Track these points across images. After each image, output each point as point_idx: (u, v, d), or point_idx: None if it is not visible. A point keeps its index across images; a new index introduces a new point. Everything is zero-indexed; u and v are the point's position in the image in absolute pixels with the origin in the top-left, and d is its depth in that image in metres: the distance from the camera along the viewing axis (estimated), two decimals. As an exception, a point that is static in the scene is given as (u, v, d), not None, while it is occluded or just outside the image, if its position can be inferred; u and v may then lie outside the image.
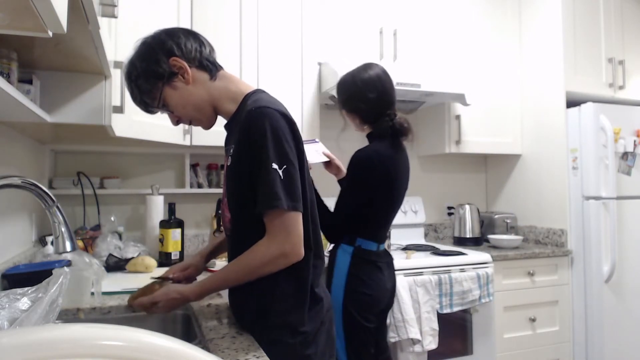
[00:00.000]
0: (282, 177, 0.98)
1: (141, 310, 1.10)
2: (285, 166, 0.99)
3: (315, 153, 1.84)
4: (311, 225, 1.10)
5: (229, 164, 1.10)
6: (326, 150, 1.87)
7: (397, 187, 1.68)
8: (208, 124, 1.18)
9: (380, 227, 1.70)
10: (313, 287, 1.11)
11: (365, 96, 1.66)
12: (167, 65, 1.08)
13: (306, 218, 1.06)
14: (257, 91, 1.14)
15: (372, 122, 1.70)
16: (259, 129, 1.00)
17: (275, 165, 0.98)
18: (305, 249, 1.03)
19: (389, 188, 1.66)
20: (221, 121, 1.20)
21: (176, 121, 1.17)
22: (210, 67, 1.13)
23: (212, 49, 1.16)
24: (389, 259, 1.73)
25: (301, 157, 1.07)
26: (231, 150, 1.08)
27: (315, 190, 1.87)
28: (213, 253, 1.40)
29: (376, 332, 1.67)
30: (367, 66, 1.72)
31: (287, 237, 0.99)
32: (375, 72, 1.69)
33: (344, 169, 1.88)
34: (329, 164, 1.86)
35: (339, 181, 1.90)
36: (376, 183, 1.62)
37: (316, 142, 1.91)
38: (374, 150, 1.63)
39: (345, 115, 1.77)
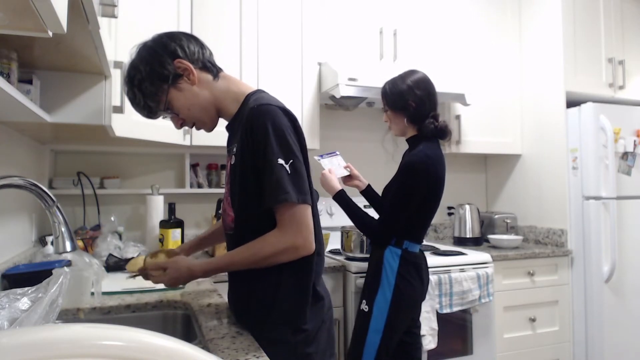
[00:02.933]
0: (289, 172, 0.99)
1: (145, 274, 1.12)
2: (291, 160, 1.00)
3: (338, 166, 1.88)
4: (315, 223, 1.10)
5: (232, 163, 1.10)
6: (344, 162, 1.92)
7: (442, 189, 1.74)
8: (211, 126, 1.18)
9: (425, 229, 1.77)
10: (315, 285, 1.11)
11: (415, 94, 1.72)
12: (172, 67, 1.08)
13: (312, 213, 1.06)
14: (258, 91, 1.15)
15: (417, 123, 1.75)
16: (262, 125, 1.01)
17: (281, 161, 0.99)
18: None
19: (439, 191, 1.73)
20: (222, 121, 1.20)
21: (180, 124, 1.17)
22: (213, 69, 1.14)
23: (211, 52, 1.17)
24: (425, 259, 1.80)
25: (304, 153, 1.08)
26: (234, 149, 1.09)
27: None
28: (201, 243, 1.41)
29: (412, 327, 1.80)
30: (412, 71, 1.80)
31: (298, 229, 1.00)
32: (422, 75, 1.78)
33: (364, 180, 1.97)
34: (349, 177, 1.91)
35: (362, 192, 1.96)
36: (429, 187, 1.68)
37: (337, 154, 1.96)
38: (425, 154, 1.68)
39: (390, 116, 1.80)
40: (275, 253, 1.01)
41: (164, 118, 1.17)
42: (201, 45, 1.14)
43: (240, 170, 1.06)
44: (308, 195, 1.02)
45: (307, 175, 1.07)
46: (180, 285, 1.20)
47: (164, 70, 1.08)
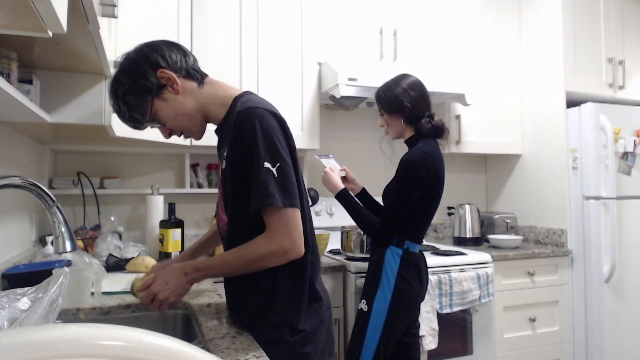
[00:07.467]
0: (275, 175, 0.99)
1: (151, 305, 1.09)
2: (278, 164, 1.00)
3: (334, 169, 1.89)
4: (308, 222, 1.10)
5: (223, 167, 1.10)
6: (338, 165, 1.95)
7: (442, 187, 1.76)
8: (199, 133, 1.17)
9: (425, 228, 1.78)
10: (314, 283, 1.12)
11: (410, 95, 1.76)
12: (154, 78, 1.07)
13: (302, 215, 1.06)
14: (246, 93, 1.14)
15: (414, 123, 1.78)
16: (250, 129, 1.00)
17: (268, 164, 0.99)
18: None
19: (438, 188, 1.74)
20: (212, 125, 1.19)
21: (168, 134, 1.16)
22: (197, 76, 1.13)
23: (195, 59, 1.15)
24: (425, 260, 1.81)
25: (294, 155, 1.07)
26: (225, 154, 1.08)
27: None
28: (202, 247, 1.41)
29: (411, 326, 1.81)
30: (404, 75, 1.83)
31: (286, 233, 0.99)
32: (415, 77, 1.82)
33: (359, 183, 1.99)
34: (344, 180, 1.93)
35: (356, 196, 1.95)
36: (428, 184, 1.69)
37: (330, 157, 1.97)
38: (424, 151, 1.70)
39: (387, 119, 1.82)
40: (264, 256, 1.00)
41: (152, 128, 1.16)
42: (184, 53, 1.12)
43: (231, 174, 1.06)
44: (296, 198, 1.01)
45: (298, 178, 1.06)
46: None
47: (147, 82, 1.06)
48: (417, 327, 1.85)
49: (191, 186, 2.39)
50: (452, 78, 2.64)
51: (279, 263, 1.01)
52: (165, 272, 1.07)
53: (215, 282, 1.56)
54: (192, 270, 1.06)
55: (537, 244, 2.75)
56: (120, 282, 1.56)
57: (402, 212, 1.68)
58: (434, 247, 2.54)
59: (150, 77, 1.06)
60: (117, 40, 1.48)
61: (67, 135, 1.88)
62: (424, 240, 1.82)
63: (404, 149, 1.83)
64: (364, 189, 1.99)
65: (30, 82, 1.23)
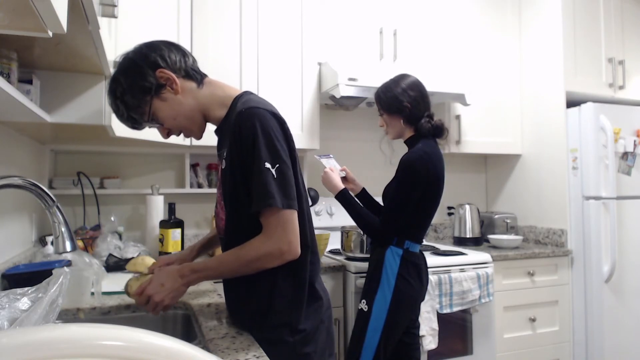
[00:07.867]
0: (275, 176, 0.99)
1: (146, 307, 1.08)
2: (277, 165, 1.00)
3: (334, 169, 1.90)
4: (307, 222, 1.10)
5: (223, 167, 1.09)
6: (338, 165, 1.96)
7: (442, 187, 1.76)
8: (199, 133, 1.17)
9: (425, 228, 1.78)
10: (313, 283, 1.12)
11: (409, 95, 1.76)
12: (153, 78, 1.06)
13: (302, 215, 1.06)
14: (246, 93, 1.14)
15: (414, 123, 1.78)
16: (250, 129, 1.00)
17: (267, 165, 0.98)
18: (302, 246, 1.03)
19: (438, 188, 1.74)
20: (212, 125, 1.19)
21: (166, 134, 1.15)
22: (196, 76, 1.13)
23: (194, 59, 1.15)
24: (425, 260, 1.81)
25: (293, 156, 1.07)
26: (224, 154, 1.08)
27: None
28: (204, 248, 1.40)
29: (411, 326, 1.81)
30: (404, 75, 1.84)
31: (283, 235, 0.99)
32: (414, 78, 1.82)
33: (359, 184, 1.99)
34: (344, 180, 1.94)
35: (356, 196, 1.96)
36: (428, 184, 1.69)
37: (331, 157, 1.98)
38: (424, 151, 1.71)
39: (387, 120, 1.83)
40: (260, 257, 1.00)
41: (150, 128, 1.16)
42: (183, 54, 1.12)
43: (230, 174, 1.06)
44: (294, 200, 1.01)
45: (297, 179, 1.06)
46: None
47: (145, 81, 1.06)
48: (417, 327, 1.85)
49: (191, 186, 2.39)
50: (452, 78, 2.64)
51: (275, 264, 1.01)
52: (162, 274, 1.06)
53: (215, 282, 1.56)
54: (189, 272, 1.05)
55: (537, 244, 2.75)
56: (120, 282, 1.55)
57: (402, 212, 1.68)
58: (434, 247, 2.54)
59: (149, 77, 1.06)
60: (117, 40, 1.48)
61: (67, 135, 1.88)
62: (424, 240, 1.83)
63: (404, 149, 1.83)
64: (364, 189, 1.99)
65: (30, 82, 1.23)
